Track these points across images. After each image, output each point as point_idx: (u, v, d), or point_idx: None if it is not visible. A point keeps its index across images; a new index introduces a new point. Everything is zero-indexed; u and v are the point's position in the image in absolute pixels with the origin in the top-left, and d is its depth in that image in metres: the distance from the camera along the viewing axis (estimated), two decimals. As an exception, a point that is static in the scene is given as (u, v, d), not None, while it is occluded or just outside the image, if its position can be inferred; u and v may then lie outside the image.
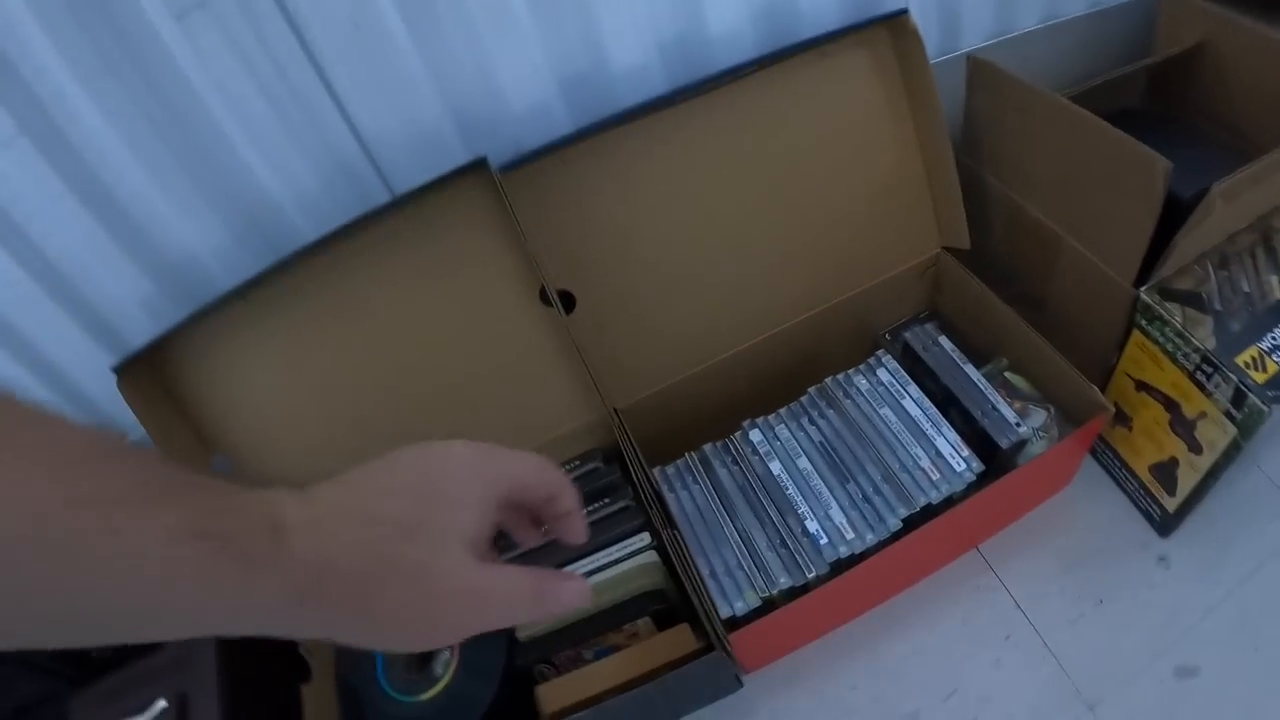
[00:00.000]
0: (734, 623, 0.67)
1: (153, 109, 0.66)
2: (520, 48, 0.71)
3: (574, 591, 0.37)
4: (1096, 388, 0.70)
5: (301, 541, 0.29)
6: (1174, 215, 0.65)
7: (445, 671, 0.73)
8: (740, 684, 0.77)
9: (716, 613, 0.66)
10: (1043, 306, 0.82)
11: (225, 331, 0.72)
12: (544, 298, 0.74)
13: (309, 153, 0.72)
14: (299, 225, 0.74)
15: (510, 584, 0.34)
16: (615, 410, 0.79)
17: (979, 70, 0.80)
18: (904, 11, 0.74)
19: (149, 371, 0.71)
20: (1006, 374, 0.79)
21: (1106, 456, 0.81)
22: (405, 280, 0.73)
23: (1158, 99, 0.88)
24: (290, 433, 0.76)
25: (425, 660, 0.74)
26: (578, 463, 0.82)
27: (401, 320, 0.75)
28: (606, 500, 0.76)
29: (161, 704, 0.66)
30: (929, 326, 0.78)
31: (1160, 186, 0.63)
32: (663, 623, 0.74)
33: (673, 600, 0.74)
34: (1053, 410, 0.76)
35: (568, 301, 0.76)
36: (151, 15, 0.61)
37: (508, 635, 0.75)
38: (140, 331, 0.73)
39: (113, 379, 0.66)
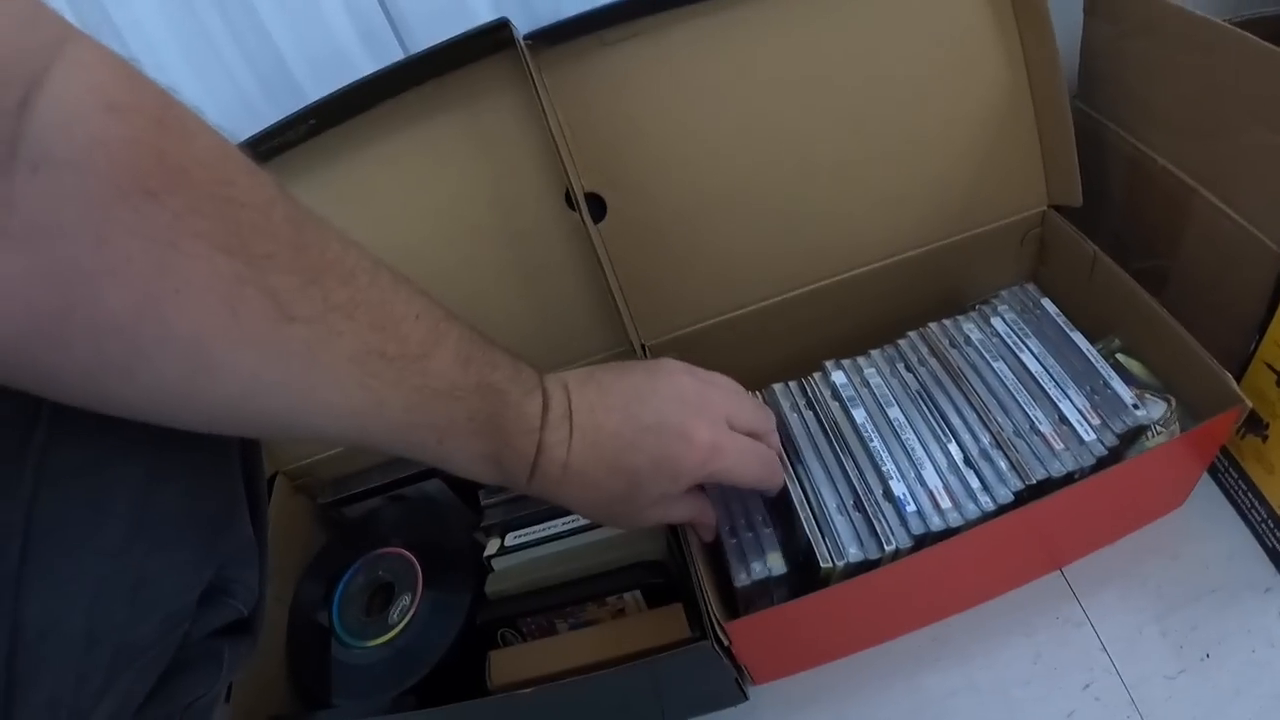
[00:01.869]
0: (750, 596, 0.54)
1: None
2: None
3: None
4: (1230, 375, 0.56)
5: (541, 484, 0.43)
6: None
7: (401, 620, 0.64)
8: (745, 696, 0.63)
9: (707, 595, 0.52)
10: (1166, 282, 0.68)
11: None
12: (570, 200, 0.64)
13: (329, 19, 0.66)
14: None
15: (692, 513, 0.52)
16: (644, 346, 0.67)
17: (1098, -7, 0.68)
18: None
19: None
20: (1119, 355, 0.64)
21: (1230, 476, 0.66)
22: (418, 160, 0.64)
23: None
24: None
25: (383, 605, 0.65)
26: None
27: (413, 206, 0.65)
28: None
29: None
30: (1030, 287, 0.64)
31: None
32: (658, 602, 0.61)
33: (675, 577, 0.61)
34: (1173, 403, 0.61)
35: (598, 207, 0.65)
36: None
37: (474, 591, 0.63)
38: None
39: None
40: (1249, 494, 0.64)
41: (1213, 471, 0.67)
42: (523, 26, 0.60)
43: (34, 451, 0.29)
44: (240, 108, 0.68)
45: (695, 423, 0.45)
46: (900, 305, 0.68)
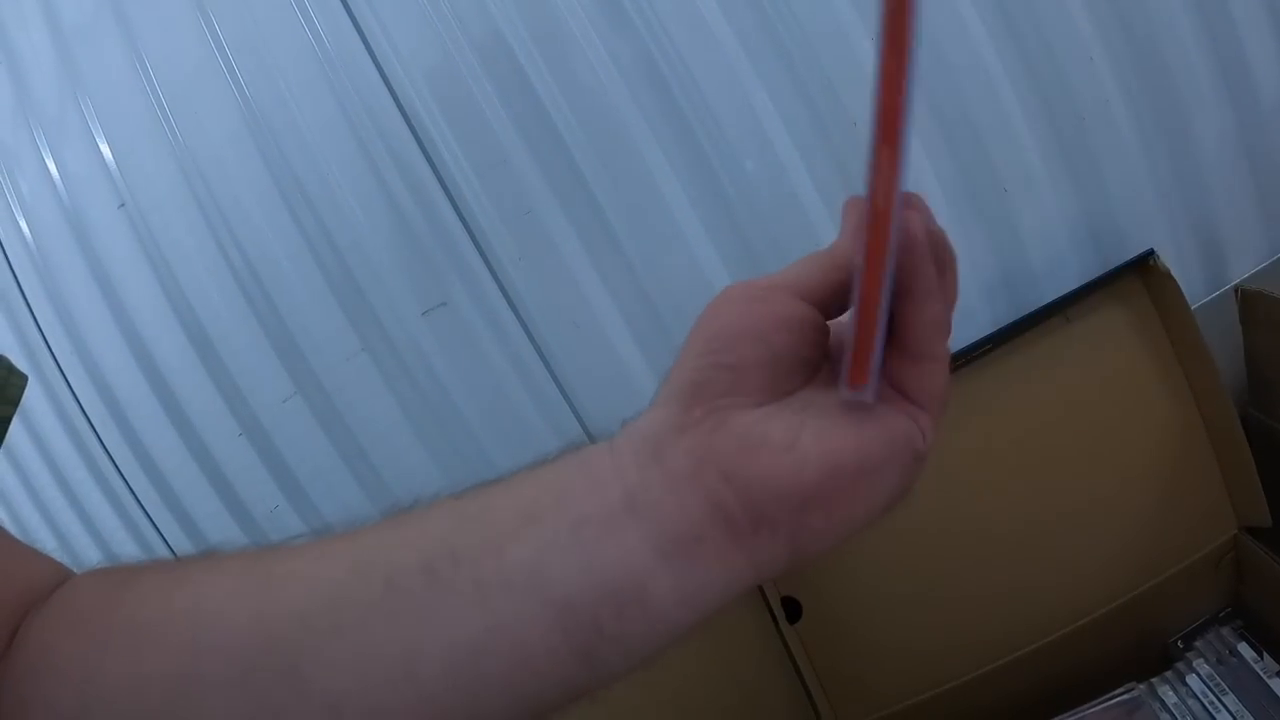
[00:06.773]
0: None
1: (405, 391, 0.78)
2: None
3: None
4: None
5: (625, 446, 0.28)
6: None
7: None
8: None
9: None
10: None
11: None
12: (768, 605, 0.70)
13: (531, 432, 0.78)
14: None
15: (878, 435, 0.26)
16: (842, 732, 0.73)
17: (1251, 303, 0.68)
18: (1150, 253, 0.64)
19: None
20: (1326, 684, 0.65)
21: None
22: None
23: None
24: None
25: None
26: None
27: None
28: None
29: None
30: (1225, 631, 0.66)
31: None
32: None
33: None
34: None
35: (794, 609, 0.70)
36: (403, 311, 0.76)
37: None
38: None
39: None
40: None
41: None
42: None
43: None
44: (440, 475, 0.80)
45: None
46: (1101, 657, 0.70)
